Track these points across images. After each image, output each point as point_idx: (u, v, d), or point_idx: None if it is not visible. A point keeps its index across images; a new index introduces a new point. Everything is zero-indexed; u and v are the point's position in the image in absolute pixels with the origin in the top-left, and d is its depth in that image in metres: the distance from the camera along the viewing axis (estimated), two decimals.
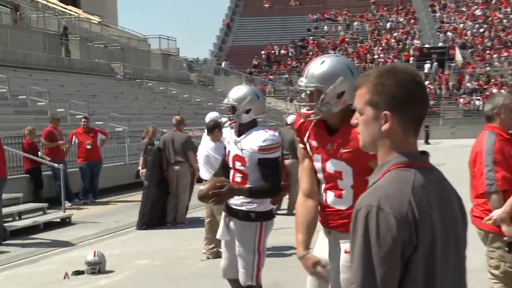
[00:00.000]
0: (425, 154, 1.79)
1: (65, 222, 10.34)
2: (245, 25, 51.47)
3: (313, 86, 2.97)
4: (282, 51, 46.18)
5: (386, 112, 1.73)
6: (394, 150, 1.75)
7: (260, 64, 44.80)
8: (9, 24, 26.06)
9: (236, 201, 4.15)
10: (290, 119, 11.35)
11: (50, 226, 9.95)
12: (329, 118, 3.02)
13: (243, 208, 4.14)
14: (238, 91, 4.24)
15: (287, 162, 10.19)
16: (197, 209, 10.98)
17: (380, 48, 45.12)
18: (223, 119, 7.89)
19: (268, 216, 4.20)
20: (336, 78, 2.94)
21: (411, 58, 42.93)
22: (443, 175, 1.81)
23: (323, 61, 3.00)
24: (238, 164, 4.14)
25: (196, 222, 9.73)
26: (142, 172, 10.38)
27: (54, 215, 10.58)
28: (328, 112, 2.98)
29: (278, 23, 51.08)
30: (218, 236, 4.37)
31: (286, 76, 42.00)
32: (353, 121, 1.83)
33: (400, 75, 1.75)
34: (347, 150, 2.93)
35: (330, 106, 2.96)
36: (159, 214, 9.93)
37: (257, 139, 4.06)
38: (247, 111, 4.17)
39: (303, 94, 3.09)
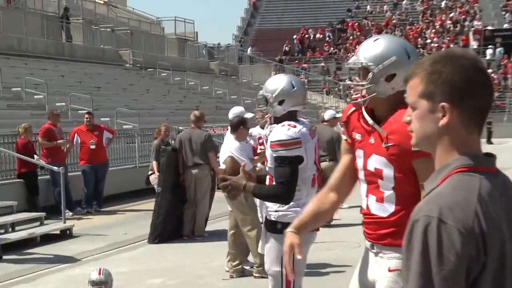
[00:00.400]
0: (491, 156, 1.79)
1: (66, 235, 10.41)
2: (275, 5, 51.49)
3: (360, 63, 3.09)
4: (318, 35, 46.07)
5: (443, 104, 1.73)
6: (455, 150, 1.75)
7: (292, 50, 44.76)
8: (1, 4, 26.43)
9: (266, 210, 4.27)
10: (327, 114, 11.32)
11: (48, 239, 10.02)
12: (376, 106, 3.10)
13: (271, 217, 4.23)
14: (271, 81, 4.38)
15: (323, 165, 10.15)
16: (219, 220, 10.97)
17: (434, 31, 44.73)
18: (250, 115, 7.89)
19: None
20: (387, 58, 3.04)
21: (471, 43, 42.45)
22: (510, 181, 1.81)
23: (377, 39, 3.14)
24: (267, 164, 4.28)
25: (218, 235, 9.71)
26: (153, 177, 10.38)
27: (53, 226, 10.65)
28: (373, 94, 3.05)
29: (313, 2, 50.98)
30: (259, 249, 4.47)
31: (322, 64, 41.87)
32: (405, 118, 1.83)
33: (458, 61, 1.75)
34: (389, 144, 2.99)
35: (376, 88, 3.05)
36: (175, 225, 9.95)
37: (273, 133, 4.19)
38: (280, 102, 4.25)
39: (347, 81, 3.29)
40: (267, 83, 4.39)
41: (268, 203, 4.22)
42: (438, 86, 1.73)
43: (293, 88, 4.29)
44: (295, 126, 4.15)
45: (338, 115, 11.05)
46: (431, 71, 1.75)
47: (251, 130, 11.26)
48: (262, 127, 10.54)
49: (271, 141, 4.14)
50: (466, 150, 1.74)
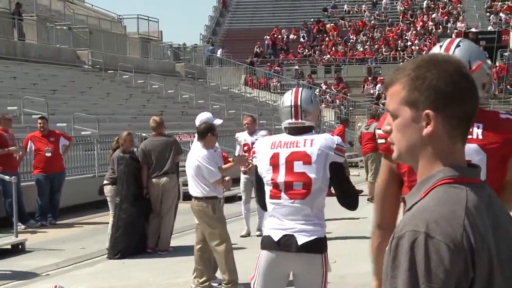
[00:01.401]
0: (475, 167, 1.80)
1: (18, 249, 10.36)
2: (246, 3, 51.66)
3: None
4: (292, 36, 46.31)
5: (428, 111, 1.73)
6: (439, 160, 1.75)
7: (264, 52, 44.92)
8: None
9: None
10: None
11: None
12: None
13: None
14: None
15: None
16: (185, 233, 11.01)
17: (414, 32, 45.24)
18: (218, 121, 7.96)
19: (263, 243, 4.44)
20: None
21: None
22: (495, 193, 1.82)
23: (459, 42, 3.30)
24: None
25: (184, 250, 9.74)
26: (109, 188, 10.13)
27: (4, 240, 10.58)
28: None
29: (287, 1, 51.24)
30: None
31: (296, 67, 42.08)
32: (385, 127, 1.83)
33: (442, 66, 1.75)
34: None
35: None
36: (137, 239, 9.95)
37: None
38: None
39: None
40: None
41: None
42: (422, 93, 1.73)
43: (281, 104, 4.68)
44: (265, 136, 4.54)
45: None
46: (414, 76, 1.75)
47: (237, 135, 11.43)
48: (251, 134, 10.69)
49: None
50: (451, 160, 1.75)
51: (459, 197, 1.70)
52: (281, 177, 4.34)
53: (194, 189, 7.47)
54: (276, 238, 4.30)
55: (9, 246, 10.39)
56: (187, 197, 8.84)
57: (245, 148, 10.66)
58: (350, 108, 37.37)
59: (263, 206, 4.51)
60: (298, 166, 4.33)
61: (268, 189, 4.41)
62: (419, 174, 1.79)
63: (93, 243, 10.81)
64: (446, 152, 1.75)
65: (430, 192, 1.73)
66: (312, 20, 47.69)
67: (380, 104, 37.84)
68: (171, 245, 10.15)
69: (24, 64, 24.64)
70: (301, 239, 4.28)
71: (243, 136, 10.94)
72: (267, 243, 4.36)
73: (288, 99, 4.62)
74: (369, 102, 38.45)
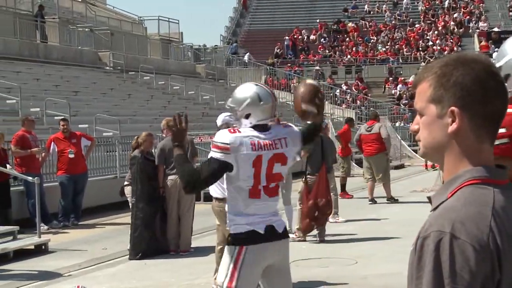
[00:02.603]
0: (503, 168, 1.79)
1: (41, 250, 10.43)
2: (266, 4, 51.65)
3: None
4: (312, 37, 46.24)
5: (453, 108, 1.72)
6: (466, 160, 1.74)
7: (284, 53, 44.90)
8: None
9: None
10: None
11: (21, 254, 10.05)
12: None
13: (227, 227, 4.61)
14: (239, 91, 4.64)
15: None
16: (205, 234, 11.03)
17: (436, 32, 45.00)
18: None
19: (244, 239, 4.44)
20: None
21: (475, 45, 42.73)
22: None
23: None
24: None
25: (204, 251, 9.77)
26: (129, 189, 10.20)
27: (27, 241, 10.67)
28: None
29: (307, 1, 51.18)
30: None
31: (317, 68, 42.01)
32: (413, 126, 1.83)
33: (470, 64, 1.75)
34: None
35: None
36: (155, 238, 9.98)
37: (216, 134, 4.57)
38: (247, 116, 4.52)
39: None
40: (234, 92, 4.65)
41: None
42: (447, 90, 1.73)
43: (260, 102, 4.51)
44: (234, 132, 4.44)
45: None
46: (441, 73, 1.74)
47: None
48: None
49: (212, 141, 4.56)
50: (478, 160, 1.73)
51: (486, 198, 1.68)
52: (263, 178, 4.45)
53: (215, 190, 7.48)
54: (261, 231, 4.43)
55: (33, 247, 10.47)
56: (208, 198, 8.85)
57: None
58: (371, 108, 37.22)
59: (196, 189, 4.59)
60: (277, 167, 4.50)
61: (247, 187, 4.42)
62: (445, 173, 1.78)
63: (115, 243, 10.86)
64: (473, 151, 1.74)
65: (456, 192, 1.71)
66: (332, 20, 47.61)
67: (401, 105, 37.70)
68: (191, 245, 10.17)
69: (46, 66, 24.82)
70: (280, 227, 4.52)
71: None
72: (252, 238, 4.40)
73: (267, 96, 4.56)
74: (390, 102, 38.31)
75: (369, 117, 16.34)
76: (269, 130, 4.52)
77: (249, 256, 4.38)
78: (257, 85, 4.74)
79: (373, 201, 15.00)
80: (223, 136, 4.40)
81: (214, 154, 4.40)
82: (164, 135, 10.73)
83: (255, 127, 4.49)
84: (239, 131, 4.43)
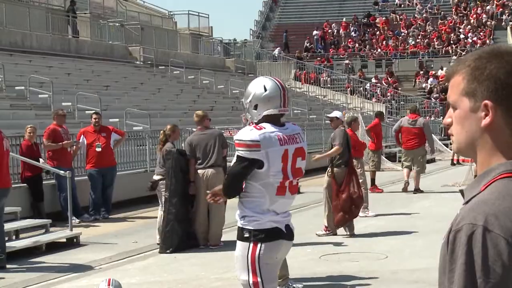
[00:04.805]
0: None
1: (72, 243, 10.53)
2: None
3: None
4: (341, 31, 46.05)
5: (486, 101, 1.70)
6: (499, 153, 1.73)
7: (314, 47, 44.76)
8: None
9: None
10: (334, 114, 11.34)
11: (53, 247, 10.15)
12: None
13: (238, 224, 4.59)
14: (249, 85, 4.68)
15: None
16: (235, 228, 11.02)
17: (469, 26, 44.53)
18: None
19: (266, 235, 4.47)
20: None
21: (508, 38, 42.21)
22: None
23: None
24: None
25: (234, 245, 9.75)
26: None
27: (59, 234, 10.79)
28: None
29: None
30: None
31: (346, 61, 41.86)
32: (446, 120, 1.81)
33: (504, 57, 1.73)
34: None
35: None
36: (187, 233, 10.02)
37: (238, 133, 4.60)
38: (255, 107, 4.55)
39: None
40: (248, 87, 4.69)
41: (238, 210, 4.58)
42: (481, 83, 1.71)
43: (265, 91, 4.52)
44: (260, 128, 4.42)
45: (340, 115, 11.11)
46: (474, 67, 1.73)
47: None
48: None
49: (234, 139, 4.53)
50: (511, 154, 1.72)
51: None
52: (290, 173, 4.49)
53: None
54: (283, 229, 4.52)
55: (64, 240, 10.58)
56: None
57: None
58: (402, 102, 37.00)
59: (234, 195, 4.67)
60: (299, 162, 4.56)
61: (276, 183, 4.43)
62: (478, 167, 1.76)
63: (145, 237, 10.92)
64: (507, 145, 1.72)
65: (490, 185, 1.70)
66: (362, 14, 47.37)
67: (432, 98, 37.41)
68: (222, 239, 10.19)
69: (77, 60, 25.04)
70: (293, 228, 4.64)
71: None
72: (273, 235, 4.46)
73: (273, 87, 4.56)
74: (421, 96, 38.02)
75: (410, 111, 16.58)
76: (285, 126, 4.58)
77: (264, 251, 4.44)
78: (266, 77, 4.78)
79: (418, 190, 15.50)
80: (250, 134, 4.40)
81: (242, 152, 4.42)
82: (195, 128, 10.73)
83: (273, 122, 4.49)
84: (263, 127, 4.43)
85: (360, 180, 12.46)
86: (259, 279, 4.42)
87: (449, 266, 1.65)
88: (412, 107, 17.31)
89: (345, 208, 10.17)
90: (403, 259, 8.85)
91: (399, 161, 18.96)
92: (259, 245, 4.42)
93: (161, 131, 10.61)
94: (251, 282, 4.44)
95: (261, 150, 4.35)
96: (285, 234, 4.51)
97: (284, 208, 4.56)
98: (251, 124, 4.62)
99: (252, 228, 4.45)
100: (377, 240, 10.28)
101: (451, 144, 1.84)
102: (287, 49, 43.67)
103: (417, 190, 15.52)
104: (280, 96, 4.54)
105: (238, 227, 4.57)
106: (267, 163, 4.36)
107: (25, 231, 10.56)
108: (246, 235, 4.47)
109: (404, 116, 18.13)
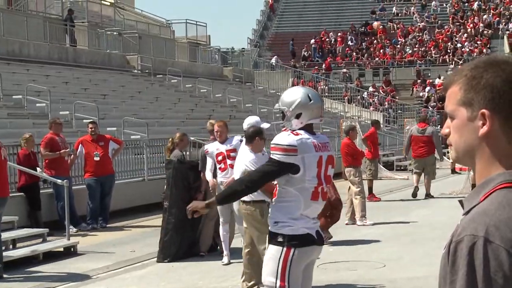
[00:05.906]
0: None
1: (70, 252, 10.51)
2: (293, 7, 51.63)
3: None
4: (339, 39, 46.11)
5: (483, 110, 1.71)
6: (497, 162, 1.73)
7: (311, 55, 44.83)
8: (1, 6, 26.71)
9: (269, 221, 4.70)
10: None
11: (51, 256, 10.13)
12: None
13: (272, 229, 4.64)
14: (288, 94, 4.79)
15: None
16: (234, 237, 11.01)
17: (465, 35, 44.63)
18: (266, 125, 7.96)
19: (300, 241, 4.57)
20: None
21: (505, 47, 42.32)
22: None
23: None
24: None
25: (232, 253, 9.76)
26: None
27: (56, 243, 10.76)
28: None
29: (334, 4, 51.08)
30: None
31: (344, 70, 41.91)
32: (444, 130, 1.82)
33: (501, 66, 1.74)
34: None
35: None
36: (186, 243, 9.99)
37: (276, 137, 4.68)
38: (298, 116, 4.65)
39: None
40: (283, 95, 4.79)
41: (271, 215, 4.64)
42: (478, 92, 1.71)
43: (310, 101, 4.66)
44: (297, 134, 4.56)
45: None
46: (471, 76, 1.73)
47: (206, 147, 9.80)
48: (223, 142, 9.33)
49: (271, 143, 4.62)
50: (510, 163, 1.72)
51: None
52: (323, 180, 4.64)
53: None
54: (314, 235, 4.63)
55: (62, 249, 10.56)
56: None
57: (220, 157, 9.30)
58: (399, 111, 37.04)
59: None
60: (329, 169, 4.74)
61: (311, 189, 4.55)
62: (477, 176, 1.76)
63: (143, 246, 10.91)
64: (505, 154, 1.72)
65: (489, 195, 1.70)
66: (359, 23, 47.46)
67: (429, 107, 37.45)
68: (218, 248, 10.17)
69: (75, 69, 25.04)
70: (322, 233, 4.79)
71: (214, 146, 9.43)
72: (305, 240, 4.56)
73: (316, 96, 4.77)
74: (418, 105, 38.07)
75: (420, 120, 17.47)
76: (316, 134, 4.75)
77: (297, 256, 4.54)
78: (305, 87, 4.94)
79: (429, 195, 15.98)
80: (288, 138, 4.55)
81: (278, 156, 4.54)
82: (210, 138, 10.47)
83: (307, 130, 4.65)
84: (299, 133, 4.59)
85: (358, 189, 12.50)
86: (286, 284, 4.53)
87: (450, 277, 1.65)
88: (422, 117, 18.04)
89: (325, 213, 10.12)
90: (401, 268, 8.85)
91: (410, 170, 19.32)
92: (292, 250, 4.54)
93: (170, 139, 10.65)
94: (277, 285, 4.54)
95: (297, 155, 4.50)
96: (316, 240, 4.64)
97: (315, 213, 4.71)
98: (286, 130, 4.75)
99: (286, 233, 4.56)
100: (375, 248, 10.27)
101: (448, 153, 1.84)
102: (294, 57, 43.81)
103: (428, 195, 16.02)
104: (321, 106, 4.81)
105: (270, 231, 4.65)
106: (302, 168, 4.50)
107: (22, 240, 10.54)
108: (280, 239, 4.57)
109: (408, 126, 18.69)
